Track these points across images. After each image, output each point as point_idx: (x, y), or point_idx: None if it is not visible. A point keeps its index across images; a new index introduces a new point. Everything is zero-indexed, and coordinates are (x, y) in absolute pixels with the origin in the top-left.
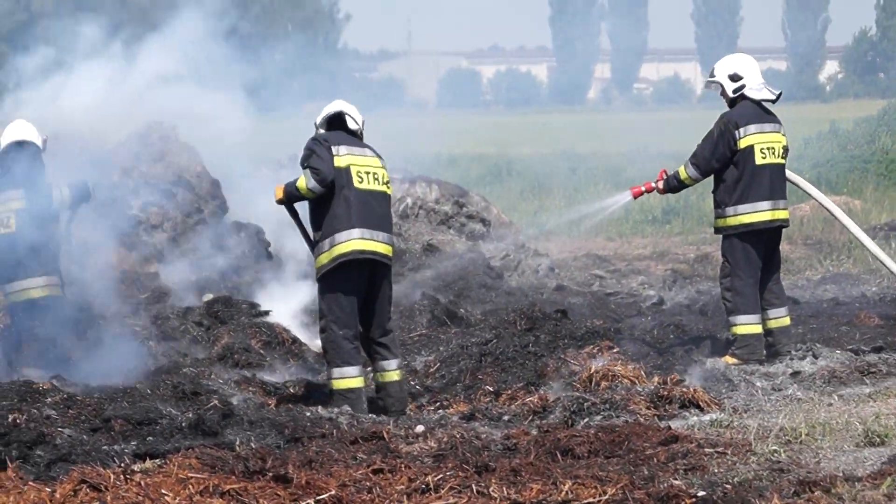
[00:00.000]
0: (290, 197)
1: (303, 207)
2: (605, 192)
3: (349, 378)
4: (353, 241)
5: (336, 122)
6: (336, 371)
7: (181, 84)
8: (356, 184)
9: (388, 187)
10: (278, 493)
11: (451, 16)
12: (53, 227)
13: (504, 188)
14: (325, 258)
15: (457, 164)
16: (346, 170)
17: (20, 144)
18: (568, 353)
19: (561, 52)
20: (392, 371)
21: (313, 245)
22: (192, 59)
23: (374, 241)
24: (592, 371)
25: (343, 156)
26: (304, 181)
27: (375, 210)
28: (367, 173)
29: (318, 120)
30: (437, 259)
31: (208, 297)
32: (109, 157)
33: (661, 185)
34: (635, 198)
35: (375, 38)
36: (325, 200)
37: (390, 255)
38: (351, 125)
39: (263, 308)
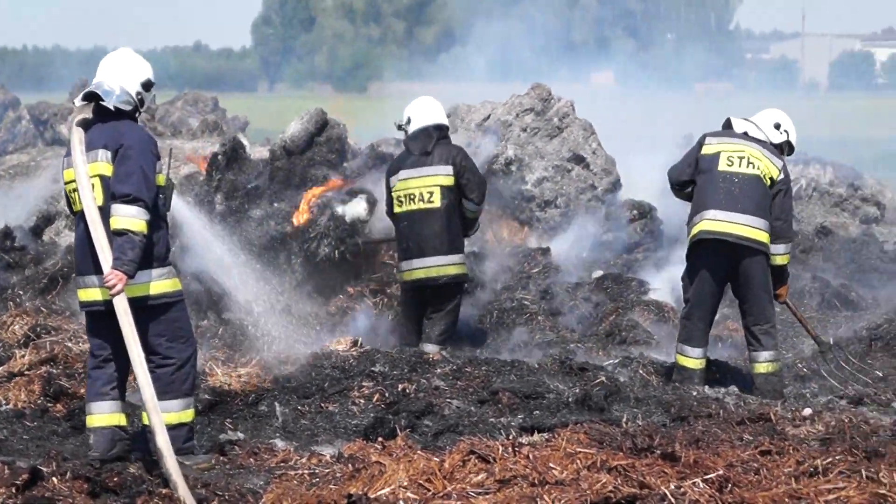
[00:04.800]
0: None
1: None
2: None
3: (688, 358)
4: (706, 221)
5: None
6: (678, 346)
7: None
8: (722, 167)
9: (763, 173)
10: (665, 470)
11: None
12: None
13: None
14: (688, 241)
15: (849, 146)
16: (715, 155)
17: (438, 128)
18: None
19: None
20: (758, 364)
21: None
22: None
23: (733, 222)
24: None
25: (713, 144)
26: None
27: (736, 192)
28: (740, 158)
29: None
30: (829, 241)
31: (598, 273)
32: (505, 132)
33: None
34: None
35: (769, 18)
36: (694, 187)
37: (755, 238)
38: (742, 128)
39: (653, 286)
